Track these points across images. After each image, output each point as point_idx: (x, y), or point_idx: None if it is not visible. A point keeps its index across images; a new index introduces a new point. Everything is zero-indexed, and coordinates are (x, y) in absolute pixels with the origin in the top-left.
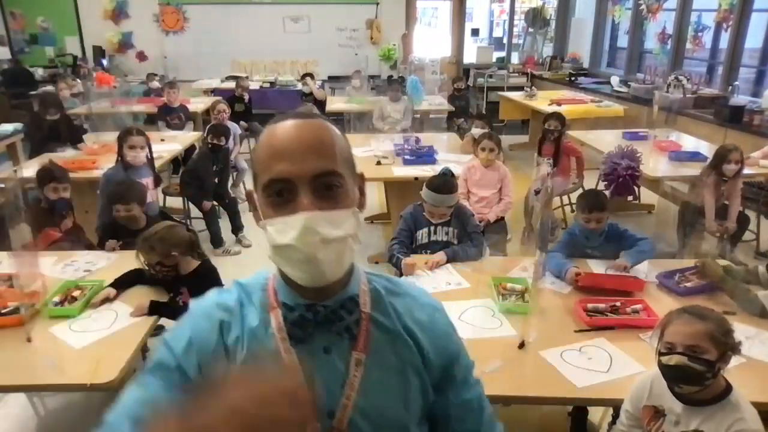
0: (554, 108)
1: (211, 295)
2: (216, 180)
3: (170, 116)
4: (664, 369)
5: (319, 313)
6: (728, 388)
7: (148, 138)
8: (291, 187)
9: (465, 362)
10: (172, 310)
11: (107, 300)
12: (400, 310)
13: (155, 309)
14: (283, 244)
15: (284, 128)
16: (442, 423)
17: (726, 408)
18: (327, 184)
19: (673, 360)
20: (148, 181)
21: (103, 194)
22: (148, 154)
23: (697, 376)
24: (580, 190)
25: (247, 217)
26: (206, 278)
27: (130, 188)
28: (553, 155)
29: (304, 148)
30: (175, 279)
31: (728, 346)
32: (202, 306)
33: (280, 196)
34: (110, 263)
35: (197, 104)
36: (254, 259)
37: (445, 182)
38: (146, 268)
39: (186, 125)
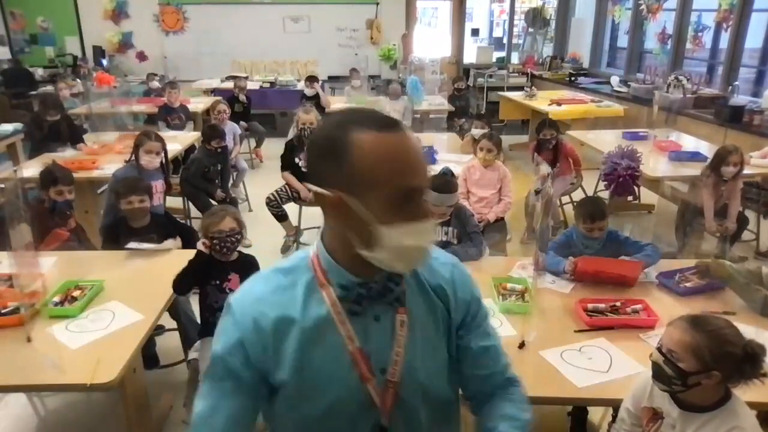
0: (554, 108)
1: (249, 290)
2: (217, 180)
3: (170, 116)
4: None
5: (372, 289)
6: (727, 396)
7: (164, 143)
8: (417, 198)
9: (484, 311)
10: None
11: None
12: (426, 274)
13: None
14: (413, 245)
15: (403, 141)
16: (464, 366)
17: (722, 416)
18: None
19: (653, 356)
20: (157, 184)
21: (111, 194)
22: (163, 159)
23: (665, 377)
24: (579, 189)
25: (246, 217)
26: (251, 267)
27: (140, 181)
28: (552, 161)
29: (423, 162)
30: (223, 265)
31: (712, 368)
32: (243, 305)
33: (408, 204)
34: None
35: (197, 104)
36: (258, 258)
37: (445, 182)
38: (212, 242)
39: (186, 125)
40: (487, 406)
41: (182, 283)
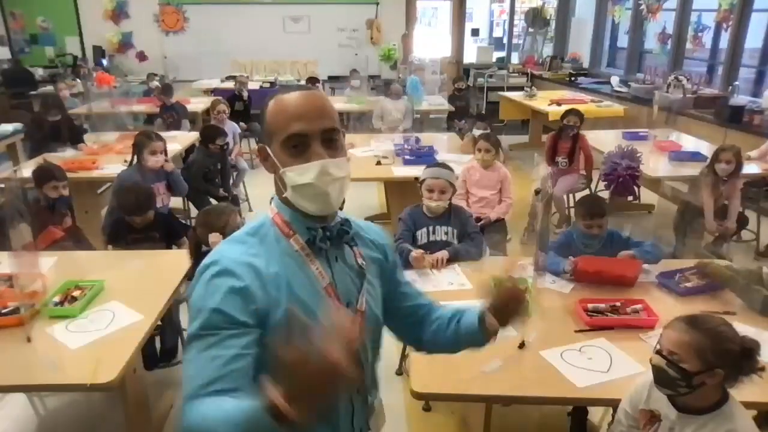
0: (554, 108)
1: (227, 249)
2: (217, 180)
3: (166, 114)
4: (651, 367)
5: (333, 231)
6: (723, 398)
7: (165, 142)
8: (305, 141)
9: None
10: None
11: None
12: (368, 232)
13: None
14: (304, 183)
15: (295, 96)
16: (399, 300)
17: (719, 418)
18: (330, 137)
19: (654, 360)
20: (159, 186)
21: (116, 195)
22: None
23: (669, 380)
24: (587, 191)
25: (247, 216)
26: None
27: (139, 195)
28: (570, 151)
29: (314, 110)
30: None
31: (716, 365)
32: (232, 257)
33: (296, 148)
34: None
35: (197, 104)
36: None
37: (441, 163)
38: (216, 237)
39: (182, 123)
40: (428, 322)
41: None
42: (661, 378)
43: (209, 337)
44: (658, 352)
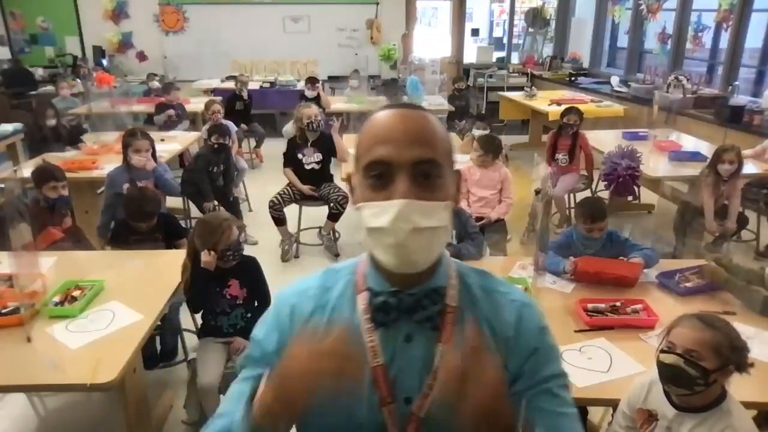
0: (554, 108)
1: (298, 283)
2: (220, 179)
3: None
4: (660, 366)
5: (403, 300)
6: (722, 396)
7: (152, 140)
8: (390, 171)
9: (555, 369)
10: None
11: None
12: (488, 308)
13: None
14: (376, 227)
15: (389, 115)
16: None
17: (717, 415)
18: (425, 172)
19: (669, 359)
20: (148, 183)
21: (108, 194)
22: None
23: (688, 379)
24: (588, 191)
25: (247, 216)
26: (251, 268)
27: (146, 202)
28: (570, 149)
29: (406, 134)
30: (223, 271)
31: (731, 361)
32: (285, 294)
33: (379, 179)
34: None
35: (197, 104)
36: (260, 257)
37: None
38: (226, 254)
39: (182, 122)
40: None
41: (199, 302)
42: (676, 377)
43: (249, 367)
44: (670, 351)
